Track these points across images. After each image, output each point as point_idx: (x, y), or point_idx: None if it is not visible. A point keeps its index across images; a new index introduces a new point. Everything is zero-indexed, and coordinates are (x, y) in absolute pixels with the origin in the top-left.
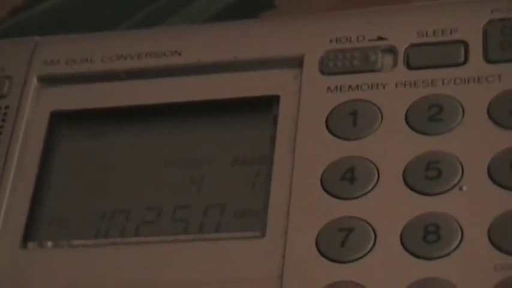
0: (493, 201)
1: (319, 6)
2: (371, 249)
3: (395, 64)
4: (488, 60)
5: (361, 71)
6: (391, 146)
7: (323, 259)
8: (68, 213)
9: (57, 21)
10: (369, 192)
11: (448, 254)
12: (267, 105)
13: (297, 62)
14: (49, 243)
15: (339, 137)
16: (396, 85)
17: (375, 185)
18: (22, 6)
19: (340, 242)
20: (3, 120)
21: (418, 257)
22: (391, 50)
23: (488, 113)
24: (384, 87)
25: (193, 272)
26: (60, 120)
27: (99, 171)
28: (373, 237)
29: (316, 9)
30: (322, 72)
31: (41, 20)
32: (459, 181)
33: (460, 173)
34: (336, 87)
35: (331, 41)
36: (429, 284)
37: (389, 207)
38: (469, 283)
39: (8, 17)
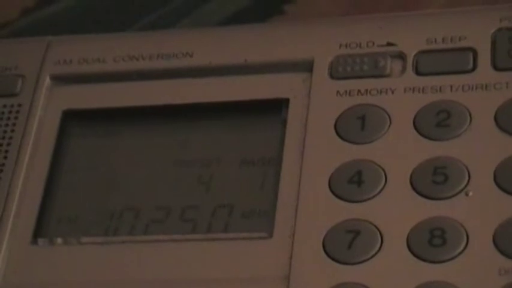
0: (498, 206)
1: (326, 12)
2: (377, 251)
3: (404, 70)
4: (496, 67)
5: (370, 76)
6: (399, 151)
7: (330, 260)
8: (78, 210)
9: (68, 22)
10: (376, 195)
11: (453, 258)
12: (276, 108)
13: (306, 66)
14: (59, 240)
15: (347, 141)
16: (405, 90)
17: (382, 188)
18: (33, 7)
19: (347, 244)
20: (16, 118)
21: (423, 260)
22: (400, 56)
23: (495, 119)
24: (392, 93)
25: (200, 271)
26: (72, 119)
27: (109, 170)
28: (379, 239)
29: (323, 16)
30: (332, 76)
31: (52, 21)
32: (465, 186)
33: (467, 178)
34: (345, 91)
35: (340, 46)
36: (434, 287)
37: (396, 210)
38: (474, 287)
39: (19, 18)
